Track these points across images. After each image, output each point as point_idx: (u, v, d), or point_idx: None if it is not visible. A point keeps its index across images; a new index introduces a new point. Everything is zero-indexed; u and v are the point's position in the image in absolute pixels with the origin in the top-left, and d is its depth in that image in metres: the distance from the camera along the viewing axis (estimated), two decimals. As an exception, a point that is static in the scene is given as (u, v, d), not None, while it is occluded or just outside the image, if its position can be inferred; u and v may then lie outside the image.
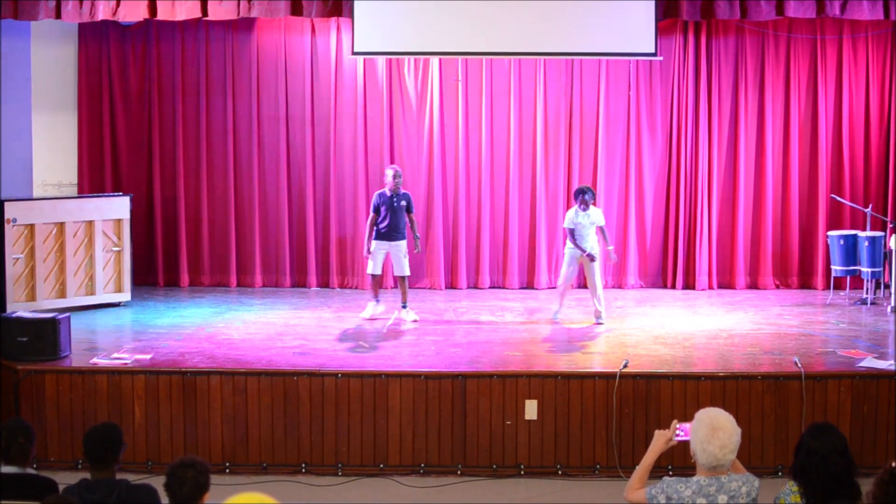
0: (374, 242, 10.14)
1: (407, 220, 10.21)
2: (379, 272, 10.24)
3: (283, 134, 12.06)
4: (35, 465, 7.12)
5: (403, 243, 10.17)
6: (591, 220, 9.92)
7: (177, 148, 12.06)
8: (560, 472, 7.88)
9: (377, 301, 10.25)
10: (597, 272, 9.96)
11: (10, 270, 9.98)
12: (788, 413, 7.84)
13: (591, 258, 9.86)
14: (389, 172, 10.20)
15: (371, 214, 10.23)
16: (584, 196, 9.89)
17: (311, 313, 10.50)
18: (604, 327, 9.76)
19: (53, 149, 11.81)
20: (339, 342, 9.17)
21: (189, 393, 7.96)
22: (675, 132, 11.99)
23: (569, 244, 10.00)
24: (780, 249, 12.06)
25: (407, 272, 10.22)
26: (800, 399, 7.82)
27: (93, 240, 10.60)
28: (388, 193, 10.11)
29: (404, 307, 10.14)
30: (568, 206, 11.48)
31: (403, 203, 10.15)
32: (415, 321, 10.01)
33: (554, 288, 11.86)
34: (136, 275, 11.38)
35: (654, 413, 7.84)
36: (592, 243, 9.94)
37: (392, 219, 10.09)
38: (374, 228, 10.16)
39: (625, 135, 12.01)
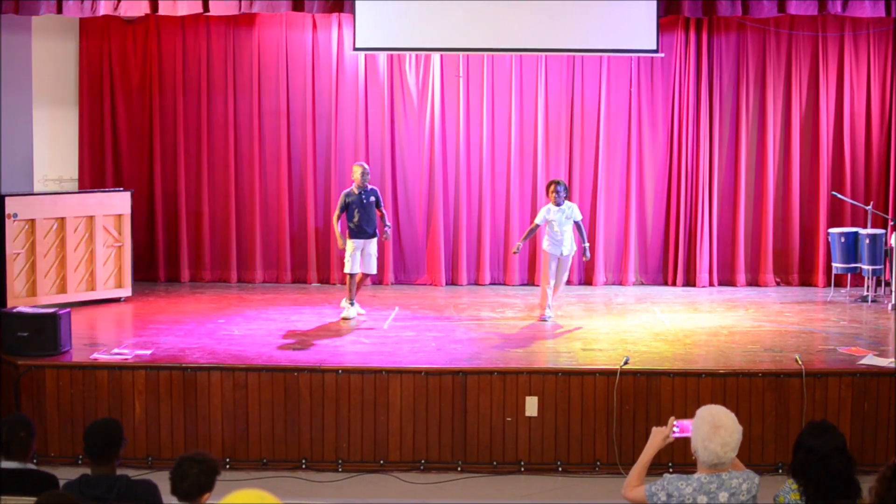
0: (350, 242, 9.94)
1: (377, 214, 10.04)
2: (358, 271, 10.04)
3: (284, 130, 12.05)
4: (35, 461, 7.10)
5: (374, 241, 10.04)
6: (565, 216, 9.73)
7: (178, 143, 12.06)
8: (560, 469, 7.88)
9: (353, 303, 10.04)
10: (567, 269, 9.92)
11: (11, 265, 9.98)
12: (789, 410, 7.84)
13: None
14: (358, 169, 9.95)
15: (338, 212, 9.99)
16: (556, 188, 9.65)
17: (312, 309, 10.50)
18: (604, 324, 9.75)
19: (54, 144, 11.82)
20: (340, 338, 9.16)
21: (189, 389, 7.96)
22: (676, 129, 11.97)
23: (545, 241, 9.81)
24: (781, 246, 12.05)
25: (374, 270, 10.20)
26: (800, 396, 7.82)
27: (93, 235, 10.60)
28: (357, 191, 9.91)
29: (352, 304, 10.00)
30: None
31: (373, 199, 9.96)
32: (360, 314, 10.03)
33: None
34: (136, 270, 11.36)
35: (654, 410, 7.83)
36: (568, 241, 9.78)
37: (364, 216, 9.90)
38: (347, 227, 9.94)
39: (626, 131, 12.00)
